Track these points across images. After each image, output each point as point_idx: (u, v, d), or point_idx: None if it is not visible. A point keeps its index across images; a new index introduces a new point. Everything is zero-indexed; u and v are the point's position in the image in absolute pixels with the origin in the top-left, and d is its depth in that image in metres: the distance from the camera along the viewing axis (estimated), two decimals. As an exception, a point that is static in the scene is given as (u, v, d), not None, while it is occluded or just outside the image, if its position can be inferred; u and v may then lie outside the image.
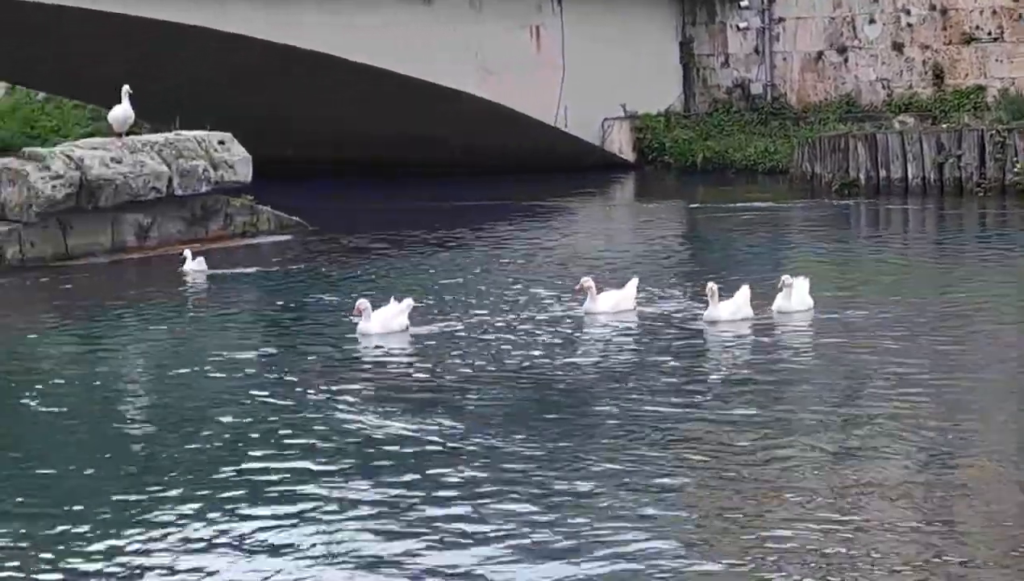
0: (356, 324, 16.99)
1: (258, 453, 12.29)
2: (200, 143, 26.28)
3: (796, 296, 17.46)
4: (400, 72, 34.09)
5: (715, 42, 38.32)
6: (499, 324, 17.53)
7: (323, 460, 12.03)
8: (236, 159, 26.47)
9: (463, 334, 17.04)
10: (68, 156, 24.83)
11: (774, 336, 16.73)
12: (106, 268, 23.77)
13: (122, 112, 25.76)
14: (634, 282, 18.34)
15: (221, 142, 26.58)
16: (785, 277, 17.54)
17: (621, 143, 37.60)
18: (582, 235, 27.66)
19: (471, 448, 12.21)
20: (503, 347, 16.22)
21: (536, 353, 15.89)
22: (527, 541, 9.95)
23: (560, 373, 15.00)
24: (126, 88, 25.57)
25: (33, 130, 42.21)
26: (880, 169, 30.74)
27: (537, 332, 17.02)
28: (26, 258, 24.08)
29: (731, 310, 17.13)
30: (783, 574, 9.25)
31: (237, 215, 26.67)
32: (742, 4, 37.65)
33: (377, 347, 16.44)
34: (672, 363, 15.35)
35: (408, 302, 17.22)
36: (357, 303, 17.05)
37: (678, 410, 13.33)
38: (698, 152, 36.55)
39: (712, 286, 17.14)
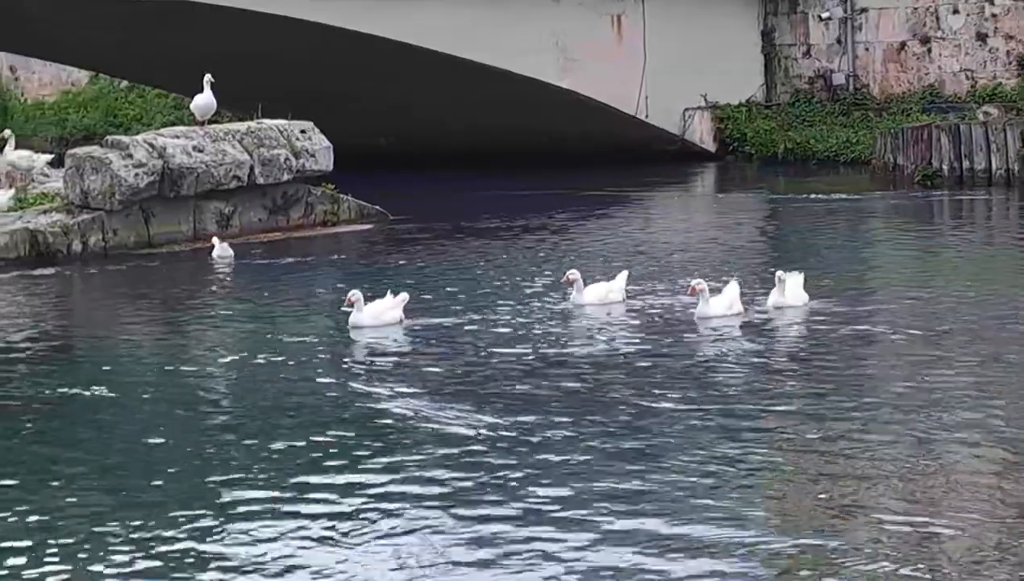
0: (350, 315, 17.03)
1: (328, 447, 12.34)
2: (282, 132, 26.40)
3: (791, 291, 17.32)
4: (480, 61, 34.15)
5: (797, 32, 38.10)
6: (515, 317, 17.51)
7: (388, 450, 12.06)
8: (317, 148, 26.56)
9: (462, 328, 16.89)
10: (151, 144, 25.01)
11: (770, 331, 16.57)
12: (187, 256, 23.92)
13: (204, 101, 25.92)
14: (624, 274, 18.37)
15: (303, 131, 26.69)
16: (779, 272, 17.49)
17: (702, 133, 37.49)
18: (657, 226, 27.51)
19: (516, 439, 12.20)
20: (495, 341, 16.11)
21: (541, 347, 15.85)
22: (616, 536, 9.93)
23: (586, 366, 14.92)
24: (208, 77, 25.74)
25: (116, 118, 42.57)
26: (963, 160, 30.47)
27: (548, 326, 16.99)
28: (108, 246, 24.29)
29: (724, 306, 16.99)
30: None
31: (318, 204, 26.78)
32: (824, -6, 37.47)
33: (372, 339, 16.38)
34: (678, 357, 15.24)
35: (403, 296, 17.25)
36: (349, 294, 17.07)
37: (715, 404, 13.23)
38: (779, 143, 36.41)
39: (701, 283, 17.00)
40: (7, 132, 29.40)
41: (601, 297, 17.91)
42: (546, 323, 17.12)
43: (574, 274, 18.00)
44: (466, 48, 33.87)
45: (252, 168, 25.66)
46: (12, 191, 25.39)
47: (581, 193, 31.00)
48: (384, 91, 35.40)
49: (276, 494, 10.92)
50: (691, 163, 36.37)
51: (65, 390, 14.57)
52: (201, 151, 25.25)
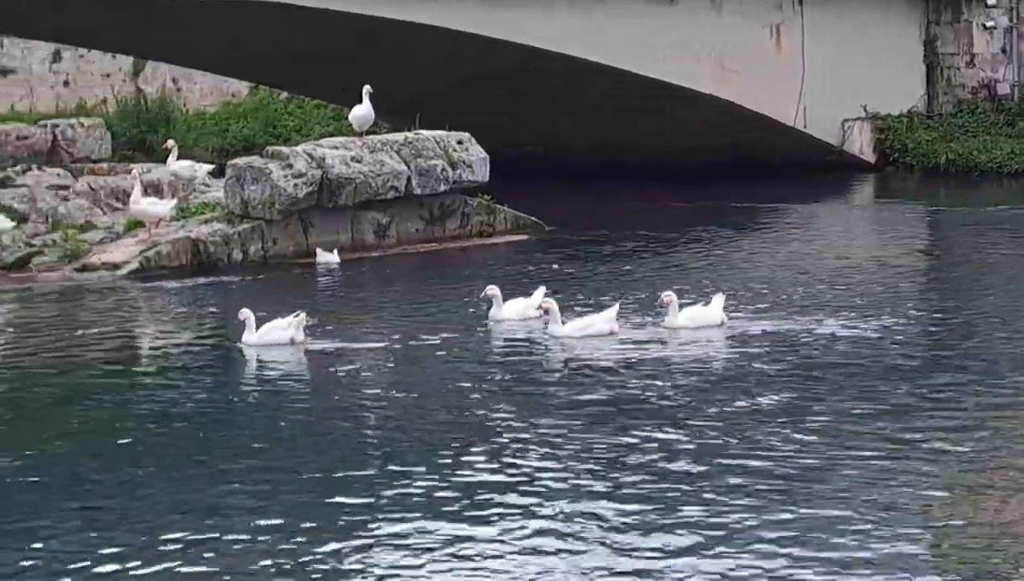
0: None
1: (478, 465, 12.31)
2: (439, 143, 26.47)
3: (690, 313, 17.35)
4: (638, 72, 34.01)
5: (960, 41, 37.45)
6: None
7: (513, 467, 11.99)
8: (474, 159, 26.60)
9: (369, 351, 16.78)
10: (310, 155, 25.20)
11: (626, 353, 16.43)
12: (344, 266, 24.01)
13: (363, 112, 26.07)
14: (541, 290, 18.43)
15: (459, 142, 26.74)
16: (665, 294, 17.47)
17: (862, 144, 37.00)
18: (809, 239, 26.98)
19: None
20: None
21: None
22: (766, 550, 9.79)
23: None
24: (367, 88, 25.89)
25: (275, 129, 42.97)
26: None
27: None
28: (268, 255, 24.51)
29: (578, 327, 17.11)
30: None
31: (474, 214, 26.80)
32: (989, 2, 36.75)
33: (260, 359, 16.47)
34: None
35: (301, 317, 17.20)
36: (239, 313, 17.22)
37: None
38: (941, 154, 35.82)
39: (550, 303, 17.27)
40: (170, 142, 29.84)
41: (519, 312, 18.06)
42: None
43: (493, 290, 18.20)
44: (621, 57, 33.73)
45: (409, 179, 25.76)
46: (175, 201, 25.74)
47: (736, 204, 30.74)
48: (538, 100, 35.38)
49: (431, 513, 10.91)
50: (850, 174, 35.92)
51: (221, 397, 14.70)
52: (359, 161, 25.40)
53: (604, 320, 17.19)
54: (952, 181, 34.45)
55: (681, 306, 17.50)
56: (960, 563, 9.53)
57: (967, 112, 37.00)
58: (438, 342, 17.08)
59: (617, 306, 17.48)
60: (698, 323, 17.28)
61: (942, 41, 37.65)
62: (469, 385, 14.93)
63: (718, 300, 17.55)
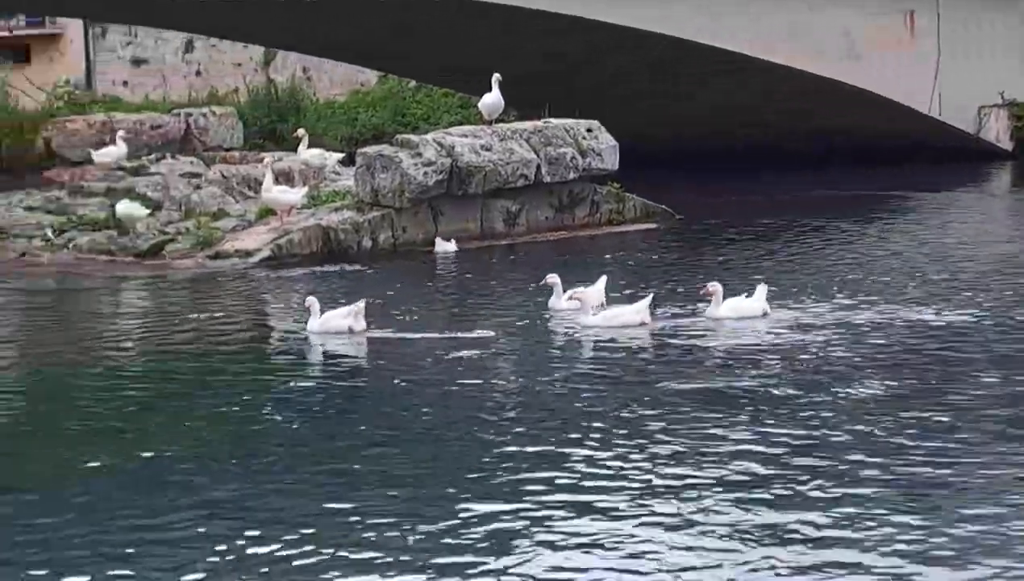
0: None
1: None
2: (568, 131, 26.39)
3: (732, 304, 17.19)
4: (767, 59, 33.73)
5: (1101, 26, 36.76)
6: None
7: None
8: (603, 147, 26.50)
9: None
10: (439, 143, 25.22)
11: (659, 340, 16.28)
12: (473, 254, 23.99)
13: (492, 100, 26.04)
14: (603, 279, 18.21)
15: (589, 130, 26.65)
16: (710, 284, 17.33)
17: (998, 132, 36.45)
18: (940, 228, 26.51)
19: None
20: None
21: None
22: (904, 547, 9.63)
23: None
24: (496, 76, 25.84)
25: (404, 118, 43.21)
26: None
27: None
28: (397, 243, 24.57)
29: (607, 317, 17.05)
30: None
31: (603, 203, 26.71)
32: None
33: (324, 347, 16.57)
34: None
35: (360, 305, 17.20)
36: (306, 300, 17.43)
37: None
38: (1080, 141, 35.26)
39: (581, 293, 17.31)
40: (301, 131, 30.02)
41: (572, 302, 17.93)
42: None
43: (553, 278, 18.06)
44: (751, 44, 33.49)
45: (539, 167, 25.71)
46: (305, 189, 25.88)
47: (868, 193, 30.38)
48: (661, 89, 35.22)
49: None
50: (985, 162, 35.37)
51: (345, 387, 14.76)
52: (489, 150, 25.38)
53: (634, 311, 17.14)
54: (1091, 169, 33.89)
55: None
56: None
57: (1108, 98, 36.35)
58: (494, 333, 16.92)
59: (650, 297, 17.35)
60: (740, 314, 17.14)
61: (1081, 26, 36.98)
62: (515, 377, 14.84)
63: (761, 291, 17.38)
